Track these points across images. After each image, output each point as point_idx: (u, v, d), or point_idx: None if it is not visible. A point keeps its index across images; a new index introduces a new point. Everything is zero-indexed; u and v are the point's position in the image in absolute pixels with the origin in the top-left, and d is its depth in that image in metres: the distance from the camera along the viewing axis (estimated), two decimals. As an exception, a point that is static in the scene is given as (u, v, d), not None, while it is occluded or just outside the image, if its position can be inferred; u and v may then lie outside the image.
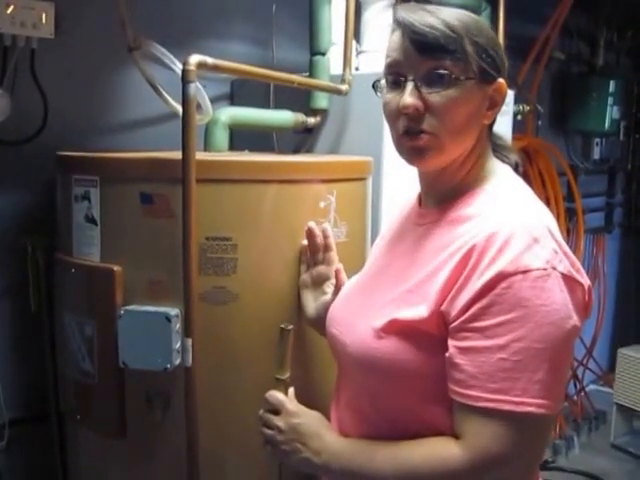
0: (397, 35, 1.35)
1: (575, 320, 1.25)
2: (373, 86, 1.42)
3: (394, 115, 1.36)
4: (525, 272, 1.21)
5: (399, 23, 1.34)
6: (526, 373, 1.21)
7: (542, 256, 1.23)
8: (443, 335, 1.29)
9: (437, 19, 1.30)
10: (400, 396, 1.35)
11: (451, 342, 1.27)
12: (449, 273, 1.28)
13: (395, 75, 1.36)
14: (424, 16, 1.31)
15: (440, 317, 1.28)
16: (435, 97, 1.31)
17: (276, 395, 1.56)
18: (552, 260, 1.24)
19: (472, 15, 1.38)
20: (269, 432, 1.52)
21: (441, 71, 1.30)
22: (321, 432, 1.46)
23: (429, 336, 1.30)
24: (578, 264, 1.30)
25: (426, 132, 1.32)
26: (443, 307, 1.28)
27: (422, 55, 1.31)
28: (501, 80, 1.37)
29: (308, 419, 1.50)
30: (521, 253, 1.22)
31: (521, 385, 1.21)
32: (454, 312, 1.26)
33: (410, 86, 1.32)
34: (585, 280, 1.30)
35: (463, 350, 1.25)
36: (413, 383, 1.33)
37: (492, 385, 1.22)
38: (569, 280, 1.25)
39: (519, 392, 1.21)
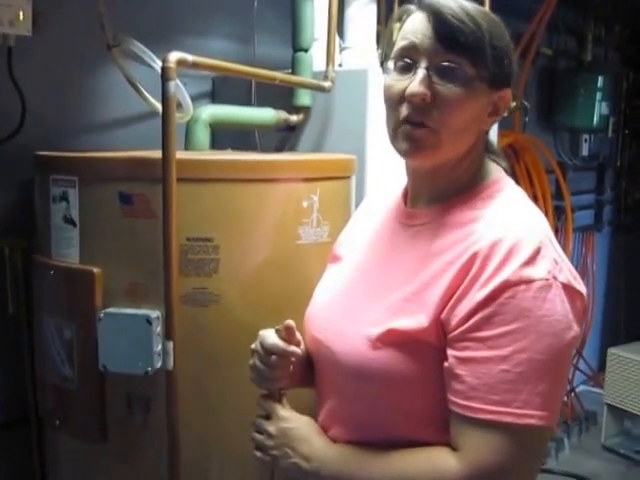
0: (420, 19, 1.28)
1: (575, 330, 1.23)
2: (381, 64, 1.36)
3: (396, 100, 1.30)
4: (528, 282, 1.19)
5: (428, 7, 1.28)
6: (528, 385, 1.18)
7: (544, 266, 1.21)
8: (442, 345, 1.25)
9: (466, 14, 1.25)
10: (396, 407, 1.31)
11: (451, 352, 1.24)
12: (450, 281, 1.25)
13: (407, 59, 1.29)
14: (454, 6, 1.26)
15: (439, 326, 1.25)
16: (445, 90, 1.26)
17: (268, 401, 1.52)
18: (553, 270, 1.21)
19: (495, 17, 1.33)
20: (259, 437, 1.47)
21: (456, 66, 1.26)
22: (310, 437, 1.41)
23: (427, 346, 1.26)
24: (575, 271, 1.28)
25: (427, 126, 1.28)
26: (443, 315, 1.24)
27: (444, 47, 1.26)
28: (508, 89, 1.34)
29: (298, 424, 1.44)
30: (525, 263, 1.20)
31: (523, 397, 1.18)
32: (454, 321, 1.23)
33: (422, 74, 1.26)
34: (582, 288, 1.28)
35: (464, 360, 1.22)
36: (410, 394, 1.29)
37: (493, 397, 1.19)
38: (569, 290, 1.23)
39: (521, 404, 1.18)
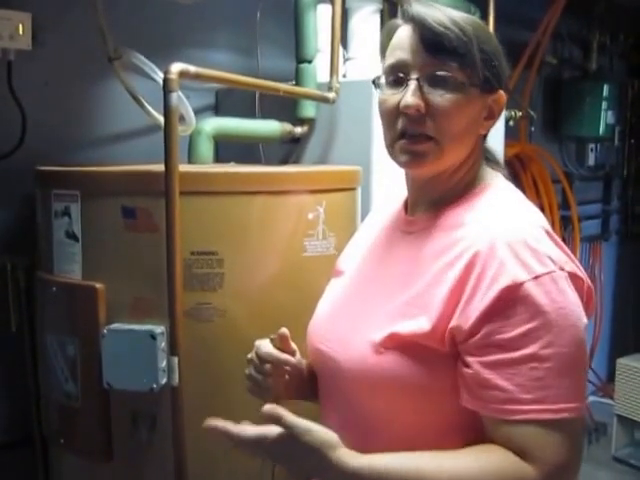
0: (406, 31, 1.30)
1: (585, 318, 1.25)
2: (373, 82, 1.37)
3: (392, 114, 1.31)
4: (537, 277, 1.19)
5: (412, 18, 1.29)
6: (557, 379, 1.18)
7: (548, 259, 1.21)
8: (448, 350, 1.24)
9: (450, 20, 1.27)
10: (404, 413, 1.29)
11: (473, 359, 1.22)
12: (452, 283, 1.24)
13: (398, 73, 1.31)
14: (438, 14, 1.27)
15: (448, 332, 1.23)
16: (438, 99, 1.27)
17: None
18: (558, 261, 1.22)
19: (480, 21, 1.34)
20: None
21: (447, 73, 1.27)
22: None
23: (431, 350, 1.25)
24: (573, 256, 1.29)
25: (426, 136, 1.29)
26: (453, 322, 1.23)
27: (431, 55, 1.27)
28: (501, 92, 1.35)
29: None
30: (528, 259, 1.20)
31: (554, 391, 1.18)
32: (466, 326, 1.21)
33: (413, 85, 1.27)
34: (584, 274, 1.28)
35: (490, 365, 1.20)
36: (417, 399, 1.27)
37: (527, 396, 1.18)
38: (575, 278, 1.24)
39: (554, 399, 1.18)
